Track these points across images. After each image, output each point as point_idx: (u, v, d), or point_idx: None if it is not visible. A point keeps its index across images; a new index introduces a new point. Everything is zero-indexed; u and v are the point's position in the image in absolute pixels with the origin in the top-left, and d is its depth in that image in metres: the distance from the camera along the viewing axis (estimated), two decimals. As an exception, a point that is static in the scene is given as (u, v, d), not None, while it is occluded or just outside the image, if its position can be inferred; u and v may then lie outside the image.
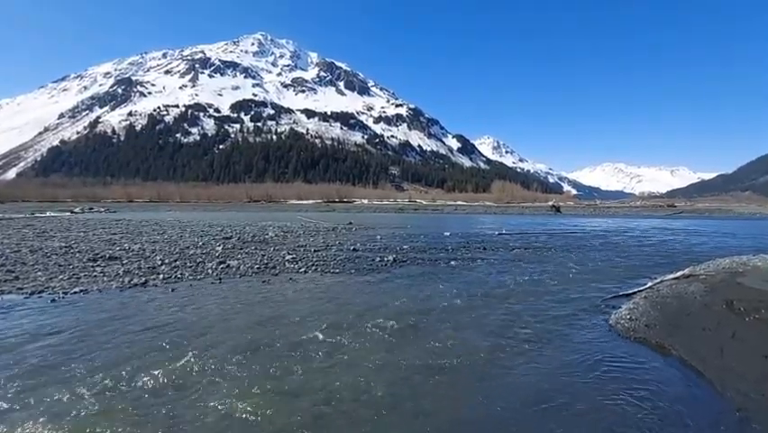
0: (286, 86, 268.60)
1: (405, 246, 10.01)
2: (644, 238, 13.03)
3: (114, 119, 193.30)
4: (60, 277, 6.04)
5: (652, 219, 28.99)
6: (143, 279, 6.05)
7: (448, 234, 13.68)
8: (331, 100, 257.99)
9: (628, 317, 4.25)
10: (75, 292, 5.26)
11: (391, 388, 2.73)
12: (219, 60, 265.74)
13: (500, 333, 3.84)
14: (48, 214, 28.43)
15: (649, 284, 5.77)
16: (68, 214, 29.98)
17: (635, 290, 5.51)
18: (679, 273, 5.97)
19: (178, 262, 7.34)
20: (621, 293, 5.43)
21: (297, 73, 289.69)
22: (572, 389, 2.76)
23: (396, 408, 2.49)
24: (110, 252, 8.34)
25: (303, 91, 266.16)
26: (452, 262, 7.94)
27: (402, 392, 2.67)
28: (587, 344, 3.62)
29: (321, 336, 3.67)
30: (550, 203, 51.66)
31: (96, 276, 6.18)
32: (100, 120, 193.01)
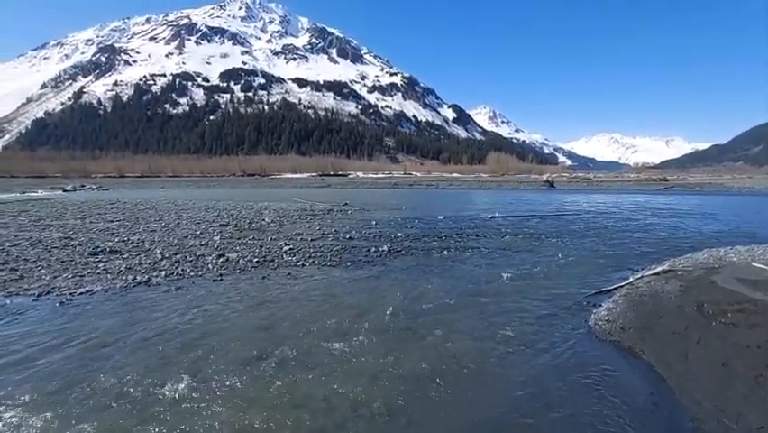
0: (276, 53, 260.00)
1: (399, 234, 10.25)
2: (632, 221, 13.38)
3: (98, 89, 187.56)
4: (65, 275, 6.21)
5: (642, 195, 29.41)
6: (146, 276, 6.25)
7: (442, 217, 13.92)
8: (323, 68, 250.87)
9: (606, 318, 4.56)
10: (81, 293, 5.47)
11: (387, 399, 3.01)
12: (206, 26, 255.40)
13: (487, 337, 4.14)
14: (39, 193, 28.21)
15: (630, 279, 6.09)
16: (61, 192, 29.76)
17: (616, 285, 5.81)
18: (658, 268, 6.30)
19: (178, 256, 7.53)
20: (603, 289, 5.73)
21: (288, 39, 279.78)
22: (546, 397, 3.08)
23: (391, 420, 2.79)
24: (110, 243, 8.49)
25: (294, 59, 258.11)
26: (445, 252, 8.21)
27: (396, 404, 2.97)
28: (566, 347, 3.93)
29: (319, 343, 3.94)
30: (544, 177, 52.00)
31: (99, 273, 6.37)
32: (84, 90, 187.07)
